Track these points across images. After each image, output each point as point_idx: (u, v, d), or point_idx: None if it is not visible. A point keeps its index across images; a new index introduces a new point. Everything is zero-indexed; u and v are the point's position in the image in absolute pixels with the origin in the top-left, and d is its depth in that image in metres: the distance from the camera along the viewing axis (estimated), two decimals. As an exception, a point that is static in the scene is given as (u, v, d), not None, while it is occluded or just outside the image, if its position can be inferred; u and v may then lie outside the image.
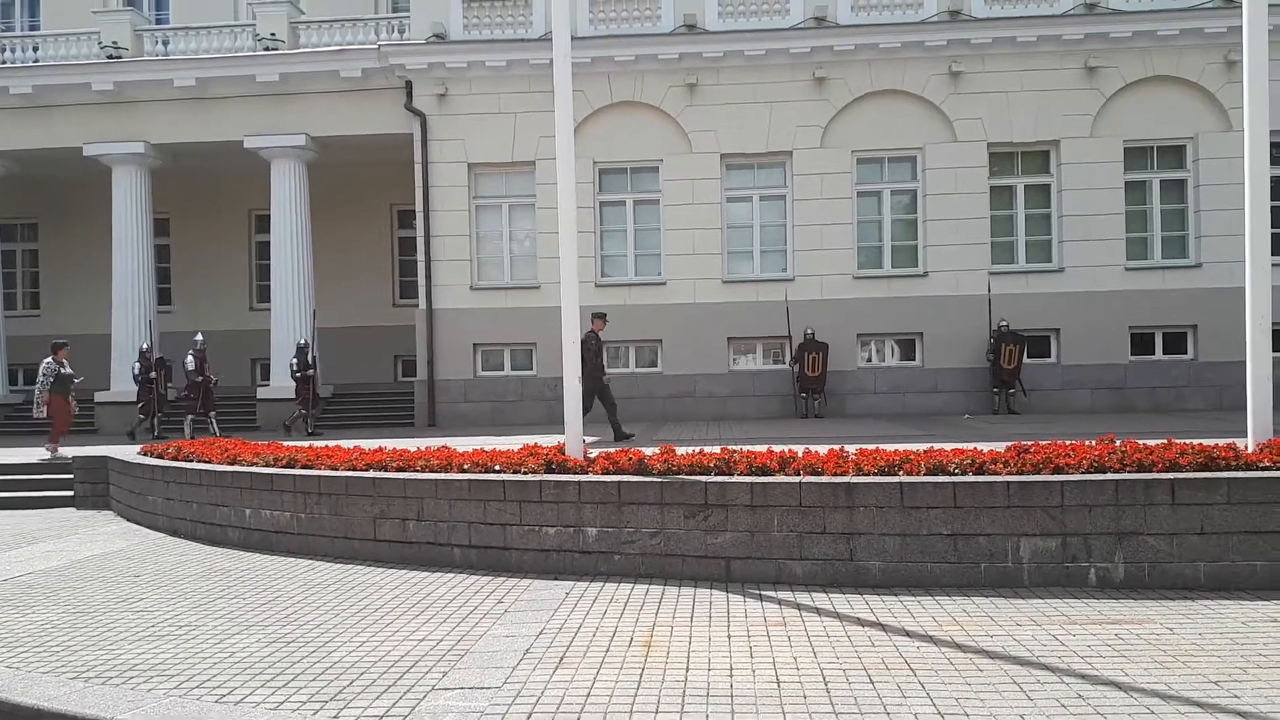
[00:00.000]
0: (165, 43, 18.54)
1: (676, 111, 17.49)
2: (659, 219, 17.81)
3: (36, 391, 13.39)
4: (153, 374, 16.64)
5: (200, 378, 16.06)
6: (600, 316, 13.70)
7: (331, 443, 9.01)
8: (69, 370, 13.49)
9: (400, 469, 7.02)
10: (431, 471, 6.83)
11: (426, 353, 17.58)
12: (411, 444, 8.33)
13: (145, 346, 17.10)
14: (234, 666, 4.48)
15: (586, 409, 13.43)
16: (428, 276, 17.75)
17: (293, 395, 17.00)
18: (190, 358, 16.15)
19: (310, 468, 7.53)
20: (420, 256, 17.86)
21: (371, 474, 7.00)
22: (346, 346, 20.31)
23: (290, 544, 7.38)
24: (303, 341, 17.21)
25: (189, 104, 18.21)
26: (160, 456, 9.45)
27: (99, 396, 18.42)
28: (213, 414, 16.30)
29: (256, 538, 7.64)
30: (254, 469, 7.79)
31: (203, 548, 7.85)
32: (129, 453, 10.37)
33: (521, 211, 18.05)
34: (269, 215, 18.79)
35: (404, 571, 6.47)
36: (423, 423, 17.63)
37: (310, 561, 7.00)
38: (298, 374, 16.80)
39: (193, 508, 8.30)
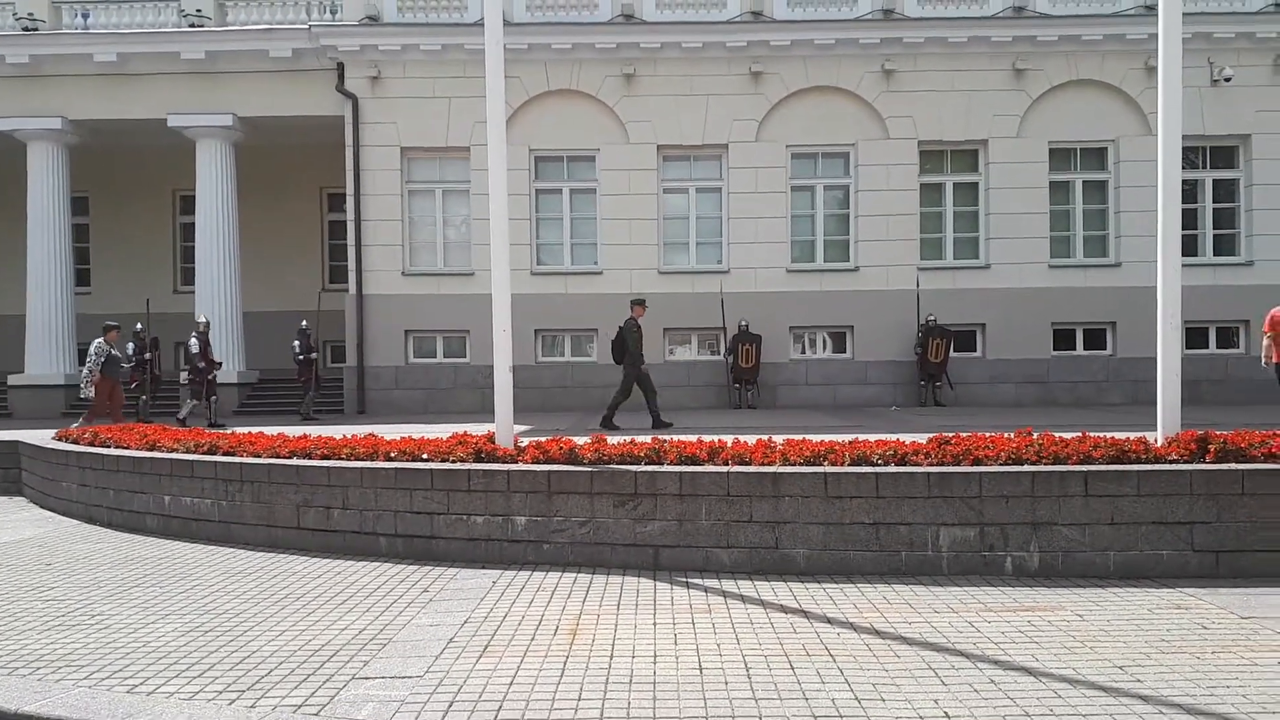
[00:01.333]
0: (85, 15, 17.91)
1: (614, 101, 17.48)
2: (596, 208, 17.80)
3: (85, 372, 13.36)
4: (147, 354, 16.27)
5: (204, 362, 15.53)
6: (640, 303, 13.62)
7: (261, 429, 8.82)
8: (118, 353, 13.54)
9: (325, 457, 6.90)
10: (357, 459, 6.73)
11: (356, 339, 17.34)
12: (339, 431, 8.21)
13: (139, 327, 16.68)
14: (148, 656, 4.36)
15: (626, 394, 13.48)
16: (358, 261, 17.49)
17: (296, 378, 16.92)
18: (194, 341, 15.69)
19: (232, 454, 7.37)
20: (350, 241, 17.60)
21: (295, 461, 6.87)
22: (274, 331, 19.88)
23: (211, 532, 7.21)
24: (304, 324, 16.91)
25: (110, 80, 17.62)
26: (75, 441, 9.15)
27: (12, 379, 17.77)
28: (214, 399, 15.77)
29: (176, 525, 7.45)
30: (173, 455, 7.59)
31: (119, 535, 7.62)
32: (42, 437, 10.01)
33: (455, 197, 17.88)
34: (194, 196, 18.29)
35: (328, 560, 6.37)
36: (352, 410, 17.39)
37: (232, 550, 6.85)
38: (300, 357, 16.51)
39: (109, 494, 8.06)
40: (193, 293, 18.40)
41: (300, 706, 3.69)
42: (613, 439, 6.55)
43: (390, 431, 8.34)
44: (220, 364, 16.24)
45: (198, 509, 7.30)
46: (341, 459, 6.80)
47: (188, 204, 19.94)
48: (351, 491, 6.52)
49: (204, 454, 7.49)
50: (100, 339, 13.59)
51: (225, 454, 7.40)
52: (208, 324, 16.21)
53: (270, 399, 18.60)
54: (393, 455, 6.69)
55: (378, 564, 6.20)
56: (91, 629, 4.85)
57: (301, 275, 20.86)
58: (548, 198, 18.02)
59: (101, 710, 3.71)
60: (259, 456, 7.16)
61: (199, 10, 17.74)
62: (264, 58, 17.45)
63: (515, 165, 16.65)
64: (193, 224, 18.59)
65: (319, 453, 6.97)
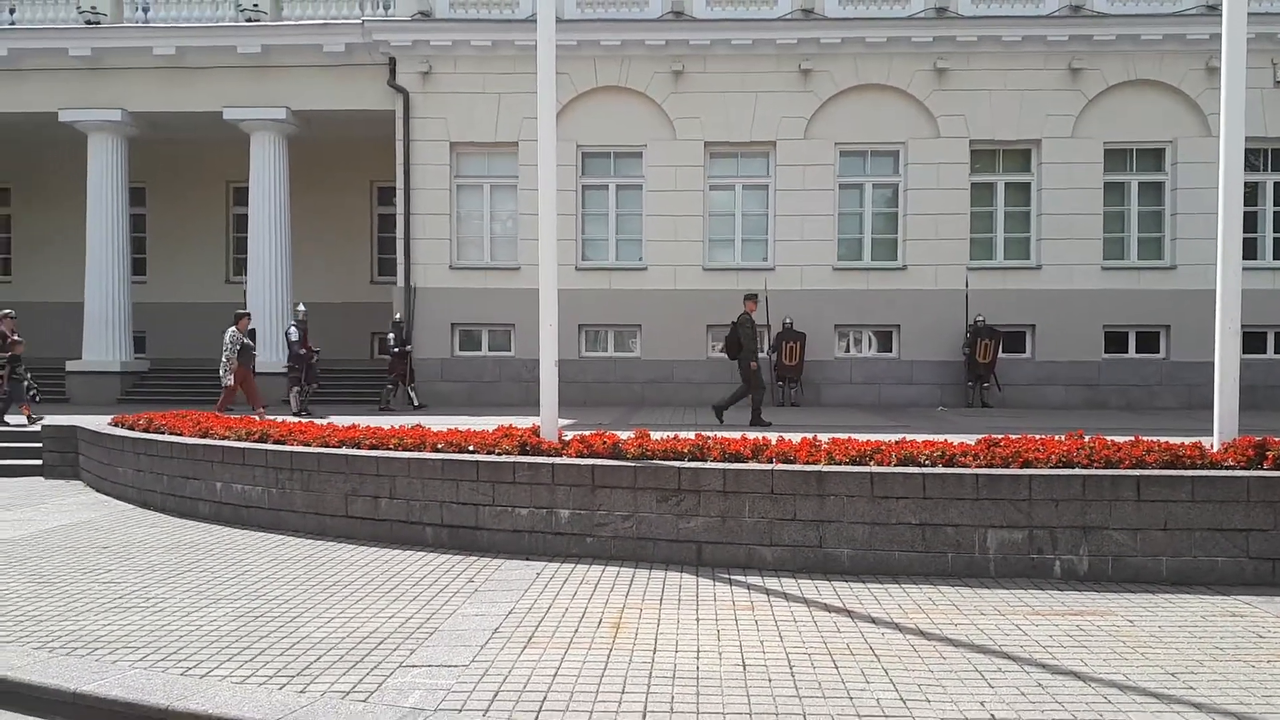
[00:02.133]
0: (145, 9, 18.25)
1: (661, 98, 17.45)
2: (641, 204, 17.79)
3: (224, 360, 13.79)
4: (409, 345, 16.76)
5: (304, 350, 15.68)
6: (752, 297, 13.63)
7: (329, 420, 8.97)
8: (250, 340, 13.99)
9: (374, 447, 7.00)
10: (405, 450, 6.82)
11: (407, 331, 17.50)
12: (386, 422, 8.32)
13: (398, 316, 17.08)
14: (201, 639, 4.47)
15: (761, 388, 13.61)
16: (407, 254, 17.66)
17: (388, 369, 16.87)
18: (294, 328, 15.93)
19: (283, 443, 7.50)
20: (400, 234, 17.77)
21: (345, 451, 6.98)
22: (323, 322, 20.15)
23: (261, 518, 7.35)
24: (398, 316, 17.06)
25: (168, 73, 17.96)
26: (131, 428, 9.37)
27: (70, 366, 18.22)
28: (312, 386, 15.96)
29: (227, 511, 7.60)
30: (226, 443, 7.74)
31: (172, 520, 7.80)
32: (99, 423, 10.27)
33: (503, 192, 17.98)
34: (247, 188, 18.60)
35: (375, 549, 6.46)
36: (401, 402, 17.57)
37: (281, 536, 6.98)
38: (395, 349, 16.66)
39: (163, 480, 8.25)
40: (244, 283, 18.71)
41: (349, 693, 3.76)
42: (655, 434, 6.56)
43: (436, 423, 8.43)
44: (319, 351, 16.44)
45: (248, 496, 7.44)
46: (389, 449, 6.90)
47: (241, 196, 20.26)
48: (399, 481, 6.61)
49: (255, 442, 7.64)
50: (233, 327, 13.90)
51: (276, 442, 7.54)
52: (306, 312, 16.38)
53: (322, 390, 18.83)
54: (439, 446, 6.76)
55: (424, 553, 6.28)
56: (146, 611, 4.97)
57: (351, 267, 21.13)
58: (594, 193, 18.06)
59: (156, 691, 3.81)
60: (309, 445, 7.28)
61: (255, 5, 18.02)
62: (318, 52, 17.67)
63: (563, 161, 16.70)
64: (245, 215, 18.90)
65: (367, 443, 7.08)
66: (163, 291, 20.92)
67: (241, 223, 19.90)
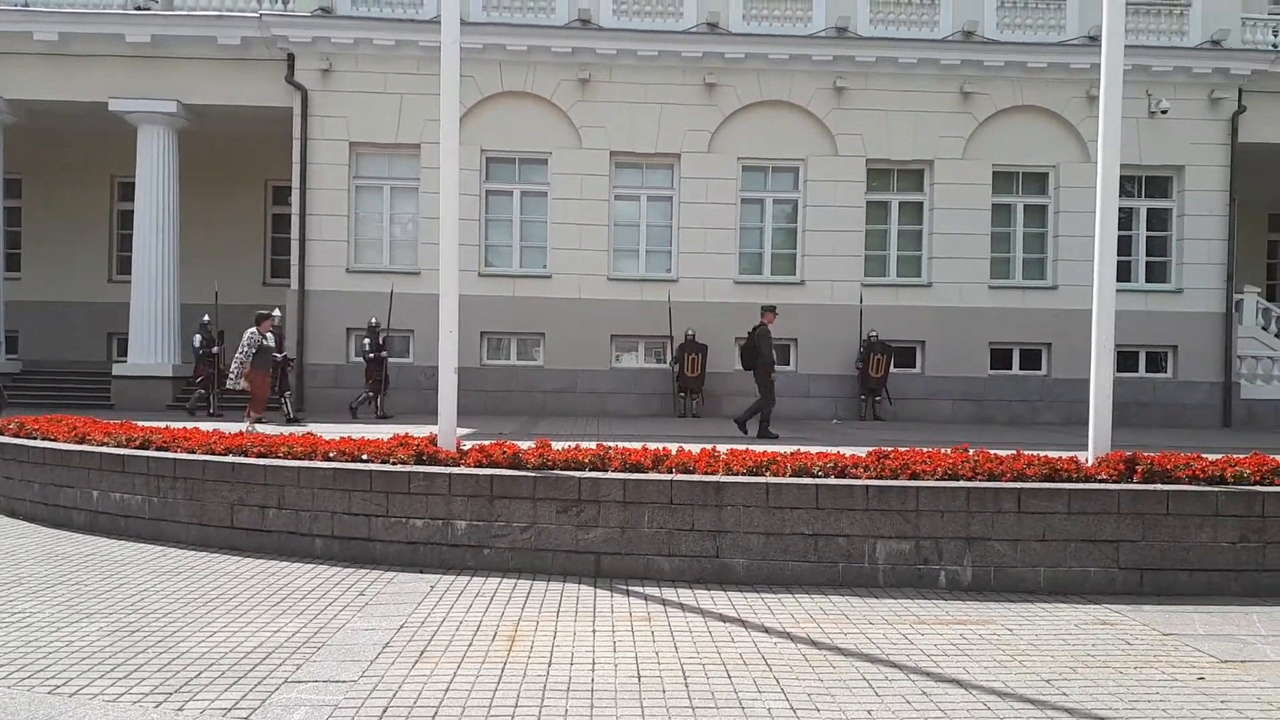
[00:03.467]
0: (26, -9, 17.38)
1: (567, 105, 17.46)
2: (546, 212, 17.75)
3: (237, 362, 12.73)
4: (215, 348, 15.94)
5: (280, 354, 14.96)
6: (770, 309, 13.46)
7: (190, 424, 8.62)
8: (270, 342, 13.06)
9: (261, 455, 6.77)
10: (294, 459, 6.62)
11: (297, 335, 17.03)
12: (276, 430, 8.06)
13: (206, 319, 16.28)
14: (71, 656, 4.24)
15: (772, 401, 13.35)
16: (302, 256, 17.22)
17: (364, 376, 16.32)
18: (263, 334, 15.23)
19: (165, 450, 7.20)
20: (295, 235, 17.30)
21: (231, 459, 6.73)
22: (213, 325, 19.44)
23: (141, 529, 7.02)
24: (374, 320, 16.32)
25: (50, 60, 17.11)
26: (0, 432, 8.85)
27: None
28: (287, 395, 15.34)
29: (104, 521, 7.24)
30: (104, 449, 7.38)
31: (44, 530, 7.39)
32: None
33: (404, 194, 17.71)
34: (134, 183, 17.85)
35: (262, 561, 6.25)
36: (367, 411, 17.08)
37: (162, 548, 6.68)
38: (370, 354, 16.02)
39: (34, 488, 7.81)
40: (129, 282, 17.92)
41: (230, 710, 3.62)
42: (557, 445, 6.53)
43: (329, 431, 8.21)
44: (293, 360, 15.89)
45: (128, 505, 7.11)
46: (278, 457, 6.68)
47: (127, 191, 19.41)
48: (288, 491, 6.40)
49: (135, 449, 7.30)
50: (253, 328, 12.99)
51: (158, 449, 7.23)
52: (281, 317, 15.66)
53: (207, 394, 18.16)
54: (331, 455, 6.59)
55: (313, 565, 6.10)
56: (11, 627, 4.70)
57: (243, 268, 20.45)
58: (498, 199, 17.93)
59: (20, 711, 3.60)
60: (193, 453, 7.00)
61: (146, -8, 17.36)
62: (212, 44, 17.09)
63: (466, 165, 16.54)
64: (131, 211, 18.13)
65: (255, 450, 6.84)
66: (38, 289, 19.89)
67: (127, 219, 19.08)
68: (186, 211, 18.40)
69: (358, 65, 17.28)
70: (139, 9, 17.15)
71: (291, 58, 17.20)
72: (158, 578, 5.78)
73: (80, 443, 7.72)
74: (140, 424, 8.23)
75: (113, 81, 17.14)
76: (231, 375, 12.88)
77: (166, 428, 7.94)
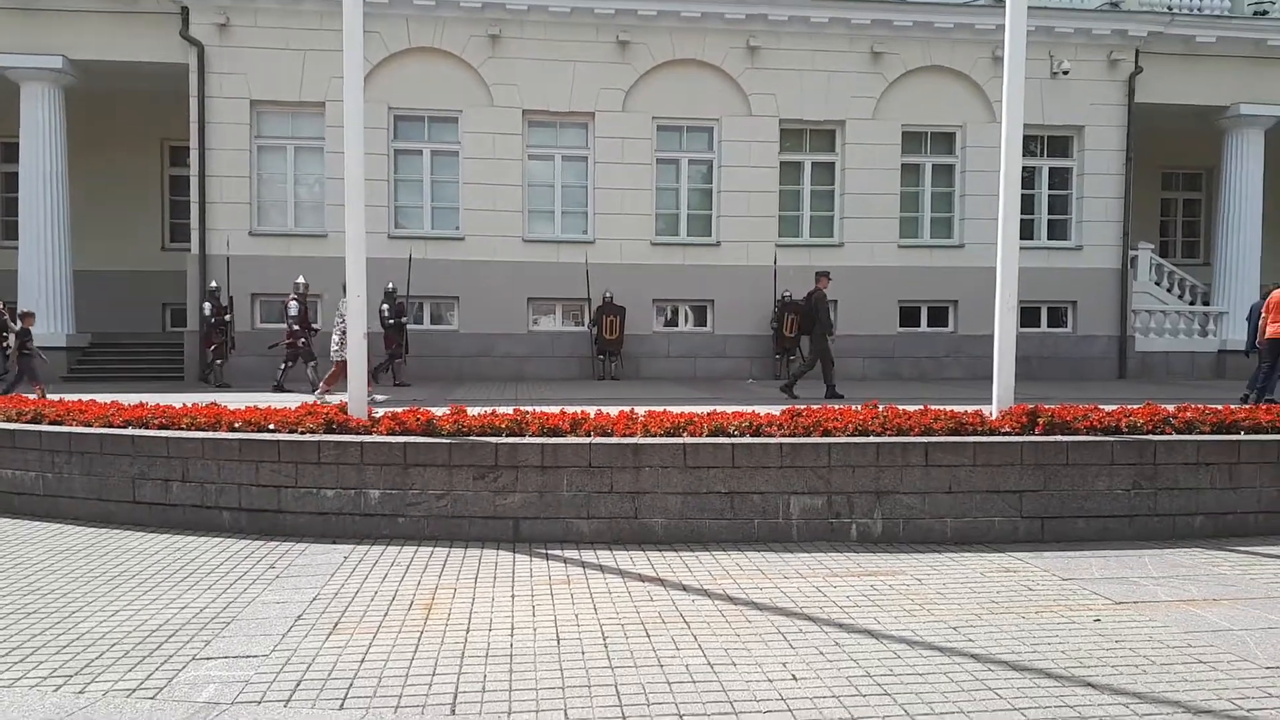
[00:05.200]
0: (-113, -64, 16.15)
1: (478, 62, 17.09)
2: (458, 172, 17.41)
3: (339, 332, 12.38)
4: (227, 316, 15.49)
5: (299, 325, 14.69)
6: (825, 274, 13.70)
7: (90, 397, 8.26)
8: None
9: (163, 426, 6.53)
10: (198, 430, 6.40)
11: (199, 301, 16.42)
12: (179, 400, 7.79)
13: (214, 286, 15.60)
14: (-40, 642, 4.04)
15: (811, 366, 13.59)
16: (202, 220, 16.58)
17: (383, 344, 15.84)
18: (294, 302, 14.77)
19: (59, 424, 6.88)
20: (194, 198, 16.63)
21: (130, 431, 6.47)
22: (108, 292, 18.62)
23: (35, 506, 6.72)
24: (391, 286, 15.90)
25: (-83, 11, 15.99)
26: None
27: None
28: (312, 364, 14.81)
29: (-6, 499, 6.91)
30: (-9, 424, 7.02)
31: (-73, 512, 7.02)
32: None
33: (309, 154, 17.15)
34: (17, 144, 16.88)
35: (167, 536, 6.05)
36: (193, 377, 16.51)
37: (59, 525, 6.41)
38: (390, 320, 15.58)
39: (-85, 467, 7.39)
40: (16, 248, 17.02)
41: (134, 691, 3.51)
42: (473, 410, 6.45)
43: (234, 400, 7.95)
44: (317, 328, 15.52)
45: (20, 482, 6.79)
46: (181, 429, 6.45)
47: (10, 152, 18.36)
48: (192, 463, 6.20)
49: (27, 423, 6.96)
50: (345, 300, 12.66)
51: (51, 423, 6.91)
52: (307, 285, 15.18)
53: (105, 363, 17.46)
54: (237, 425, 6.39)
55: (221, 539, 5.93)
56: (-107, 613, 4.45)
57: (139, 232, 19.59)
58: (408, 159, 17.50)
59: (-96, 702, 3.42)
60: (90, 426, 6.71)
61: (23, -60, 16.30)
62: (98, -5, 16.21)
63: (373, 124, 16.07)
64: (16, 174, 17.17)
65: (156, 422, 6.59)
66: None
67: (11, 182, 18.04)
68: (77, 174, 17.52)
69: (257, 20, 16.58)
70: (16, -43, 16.12)
71: (186, 11, 16.40)
72: (55, 556, 5.55)
73: (-35, 418, 7.33)
74: (30, 396, 7.85)
75: (-11, 35, 16.14)
76: (335, 348, 12.69)
77: (60, 400, 7.60)
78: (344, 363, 12.67)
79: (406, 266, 16.31)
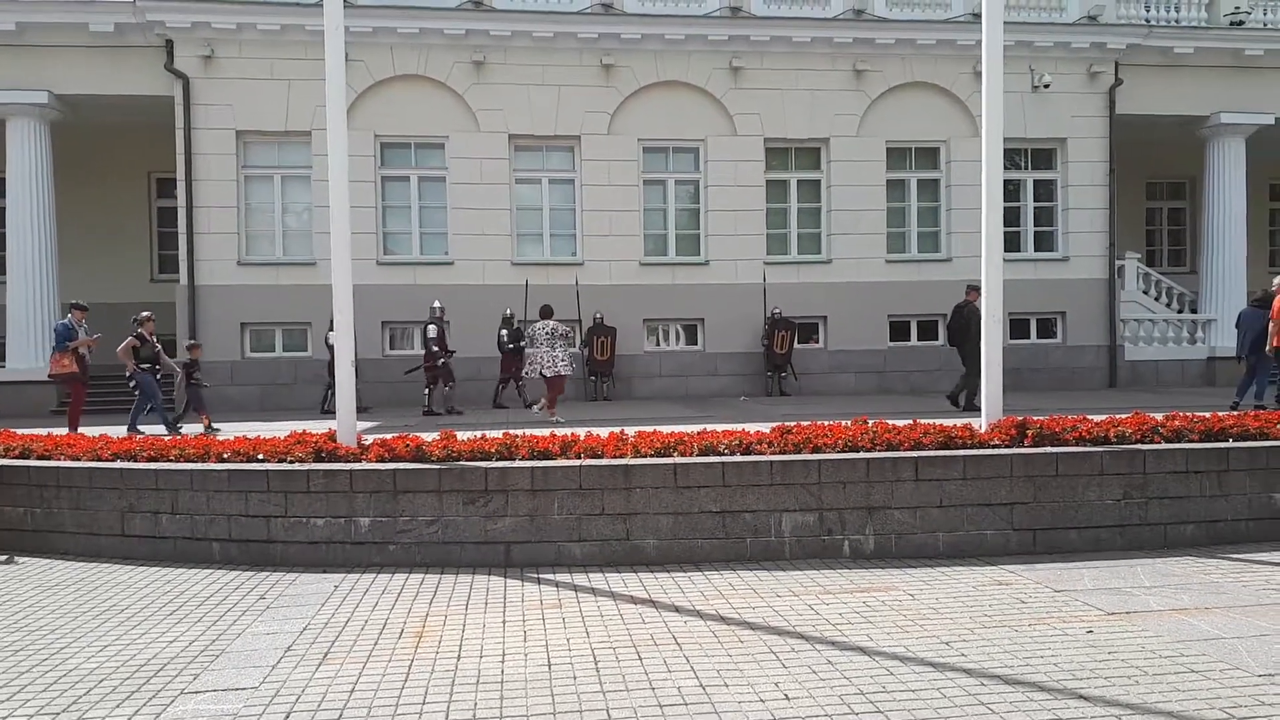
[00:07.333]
0: (-128, -24, 16.20)
1: (463, 88, 17.17)
2: (445, 197, 17.45)
3: (550, 358, 12.87)
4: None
5: (438, 347, 14.80)
6: (975, 288, 13.43)
7: (98, 430, 8.23)
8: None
9: (151, 459, 6.50)
10: (187, 461, 6.38)
11: (188, 332, 16.39)
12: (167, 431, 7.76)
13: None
14: (-55, 683, 4.00)
15: (979, 374, 13.16)
16: (190, 250, 16.57)
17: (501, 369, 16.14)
18: (432, 326, 14.85)
19: (48, 458, 6.85)
20: (181, 229, 16.63)
21: (119, 465, 6.44)
22: (96, 325, 18.46)
23: (24, 542, 6.67)
24: (509, 312, 16.18)
25: (-98, 48, 16.02)
26: None
27: None
28: (449, 386, 14.90)
29: (-19, 537, 6.85)
30: (-22, 461, 6.98)
31: (-86, 550, 6.96)
32: None
33: (296, 183, 17.18)
34: (4, 179, 16.89)
35: (157, 569, 6.01)
36: (182, 408, 16.41)
37: (47, 561, 6.36)
38: (509, 345, 15.82)
39: (-98, 505, 7.34)
40: (3, 282, 17.00)
41: (121, 727, 3.47)
42: (462, 435, 6.44)
43: (224, 430, 7.91)
44: (454, 351, 15.50)
45: (8, 518, 6.74)
46: (170, 461, 6.43)
47: (-2, 187, 18.40)
48: (182, 495, 6.17)
49: (15, 459, 6.93)
50: (552, 320, 13.28)
51: (39, 458, 6.87)
52: (443, 308, 15.25)
53: (94, 398, 17.34)
54: (226, 456, 6.37)
55: (211, 571, 5.89)
56: (-122, 655, 4.41)
57: (128, 264, 19.58)
58: (395, 185, 17.54)
59: (-112, 745, 3.39)
60: (78, 460, 6.68)
61: (7, -23, 16.36)
62: (84, 31, 16.22)
63: (360, 151, 16.13)
64: (4, 209, 17.18)
65: (145, 455, 6.57)
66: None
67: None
68: (65, 208, 17.54)
69: (241, 51, 16.65)
70: (0, -6, 16.17)
71: (170, 44, 16.46)
72: (43, 592, 5.51)
73: (-48, 455, 7.28)
74: (19, 432, 7.81)
75: (-24, 72, 16.17)
76: (546, 366, 13.03)
77: (49, 435, 7.56)
78: (561, 377, 13.20)
79: (524, 293, 16.53)
